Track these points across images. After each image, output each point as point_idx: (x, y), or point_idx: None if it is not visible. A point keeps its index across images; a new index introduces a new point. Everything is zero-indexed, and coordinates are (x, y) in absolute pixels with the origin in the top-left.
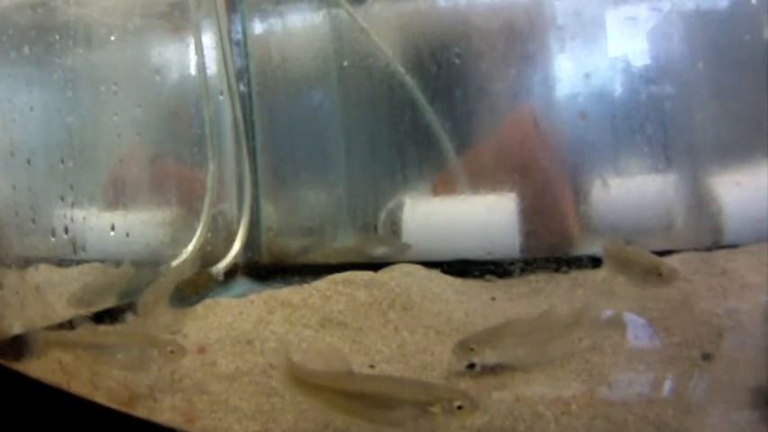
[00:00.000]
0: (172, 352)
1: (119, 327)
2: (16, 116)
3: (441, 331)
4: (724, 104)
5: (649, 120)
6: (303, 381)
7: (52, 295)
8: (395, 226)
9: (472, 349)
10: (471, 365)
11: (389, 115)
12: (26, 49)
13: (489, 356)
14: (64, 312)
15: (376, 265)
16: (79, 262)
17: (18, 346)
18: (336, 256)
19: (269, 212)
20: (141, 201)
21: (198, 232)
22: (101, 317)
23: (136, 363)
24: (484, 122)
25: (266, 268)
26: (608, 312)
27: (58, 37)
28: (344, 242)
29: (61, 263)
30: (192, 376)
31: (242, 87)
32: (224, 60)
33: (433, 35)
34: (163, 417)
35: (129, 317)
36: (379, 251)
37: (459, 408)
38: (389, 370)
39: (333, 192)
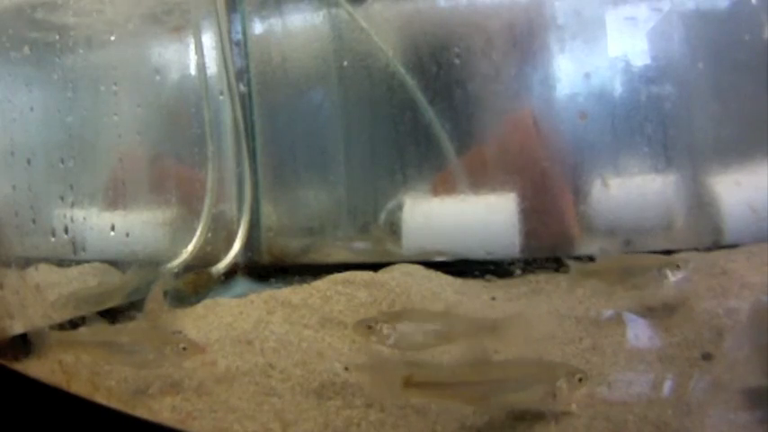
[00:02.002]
0: (184, 349)
1: (128, 325)
2: (16, 116)
3: None
4: (724, 104)
5: (649, 120)
6: (425, 383)
7: (52, 295)
8: (395, 226)
9: (370, 327)
10: None
11: (389, 115)
12: (26, 49)
13: (386, 335)
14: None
15: (376, 265)
16: (79, 262)
17: (21, 344)
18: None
19: (269, 212)
20: (141, 201)
21: (198, 232)
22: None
23: (150, 360)
24: (484, 122)
25: (266, 268)
26: (608, 312)
27: (57, 37)
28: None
29: (61, 263)
30: (192, 376)
31: (242, 87)
32: (224, 60)
33: (433, 35)
34: (163, 416)
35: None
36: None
37: (580, 380)
38: None
39: (333, 192)
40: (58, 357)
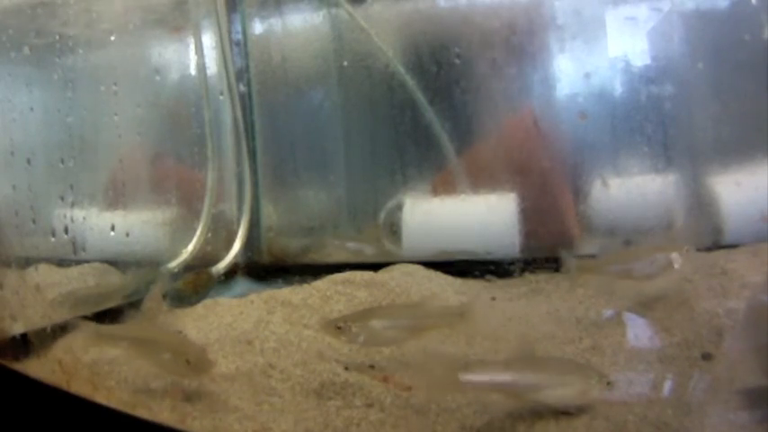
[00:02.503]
0: (187, 362)
1: (129, 324)
2: (16, 116)
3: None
4: (724, 104)
5: (649, 120)
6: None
7: (52, 295)
8: (395, 226)
9: (339, 327)
10: None
11: (389, 115)
12: (26, 50)
13: (356, 336)
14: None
15: (376, 265)
16: (79, 262)
17: (21, 344)
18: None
19: (269, 212)
20: (141, 201)
21: (198, 232)
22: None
23: (165, 361)
24: (484, 122)
25: (266, 268)
26: (608, 312)
27: (57, 37)
28: None
29: (61, 263)
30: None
31: (242, 87)
32: (224, 60)
33: (433, 35)
34: (163, 416)
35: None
36: None
37: (608, 383)
38: (390, 369)
39: (333, 192)
40: (58, 357)
